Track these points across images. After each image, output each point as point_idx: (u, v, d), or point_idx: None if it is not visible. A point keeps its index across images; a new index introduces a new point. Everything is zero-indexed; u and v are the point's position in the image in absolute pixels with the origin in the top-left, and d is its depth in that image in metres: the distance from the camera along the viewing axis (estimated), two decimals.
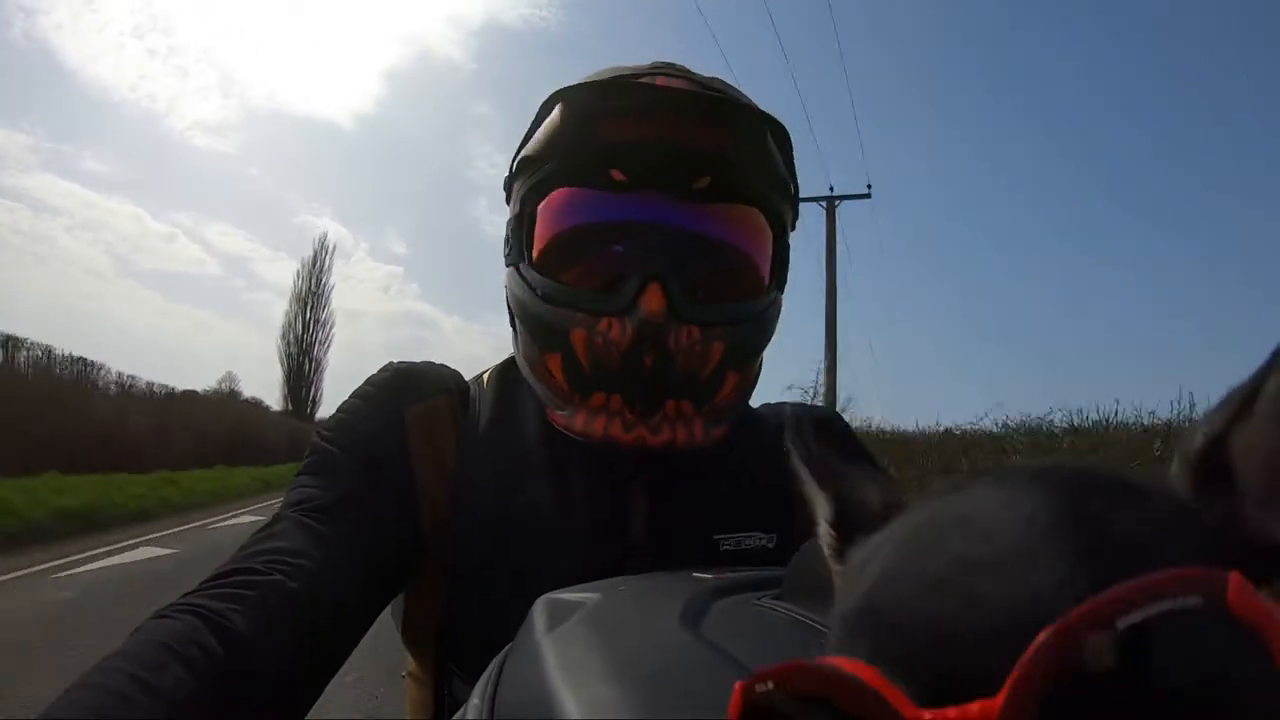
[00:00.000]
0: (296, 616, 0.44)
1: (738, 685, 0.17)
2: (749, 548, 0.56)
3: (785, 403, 0.70)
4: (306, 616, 0.44)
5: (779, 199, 0.57)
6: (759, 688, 0.16)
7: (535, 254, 0.55)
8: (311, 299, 23.85)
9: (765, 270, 0.58)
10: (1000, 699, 0.12)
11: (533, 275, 0.55)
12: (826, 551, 0.24)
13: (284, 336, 23.54)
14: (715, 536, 0.56)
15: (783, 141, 0.56)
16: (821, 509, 0.25)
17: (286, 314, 23.45)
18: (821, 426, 0.27)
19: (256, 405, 22.67)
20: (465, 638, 0.52)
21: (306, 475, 0.53)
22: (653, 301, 0.50)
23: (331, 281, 24.88)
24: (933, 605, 0.16)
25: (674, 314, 0.51)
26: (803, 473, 0.26)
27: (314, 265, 24.63)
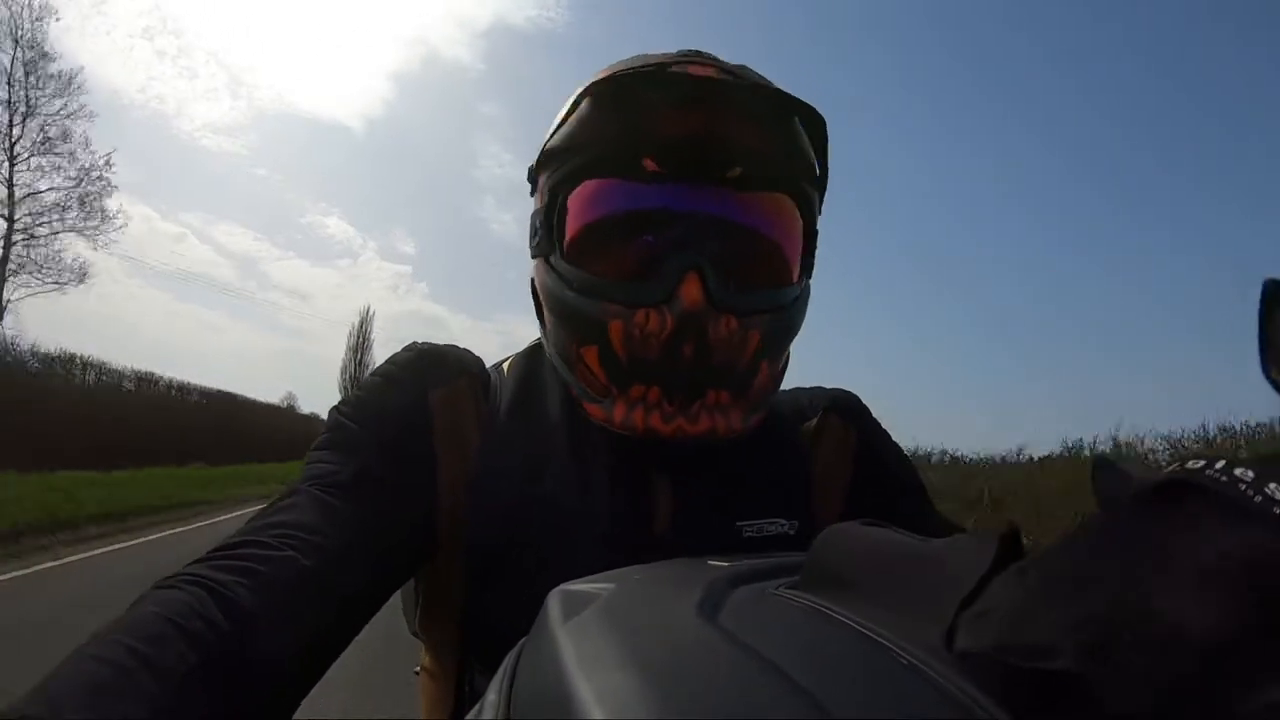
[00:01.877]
0: (305, 594, 0.43)
1: None
2: (771, 534, 0.56)
3: (800, 388, 0.69)
4: (315, 595, 0.44)
5: (809, 186, 0.58)
6: None
7: (566, 244, 0.55)
8: (360, 350, 35.29)
9: (796, 258, 0.58)
10: None
11: (564, 266, 0.55)
12: None
13: (342, 375, 34.88)
14: (738, 523, 0.56)
15: (814, 127, 0.56)
16: None
17: (343, 360, 35.41)
18: None
19: (315, 418, 31.26)
20: (489, 631, 0.51)
21: (324, 450, 0.52)
22: (692, 291, 0.51)
23: (373, 337, 35.85)
24: None
25: (712, 304, 0.51)
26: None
27: (360, 328, 35.90)
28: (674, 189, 0.53)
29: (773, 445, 0.61)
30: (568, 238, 0.55)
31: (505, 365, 0.62)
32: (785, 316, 0.57)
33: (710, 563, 0.41)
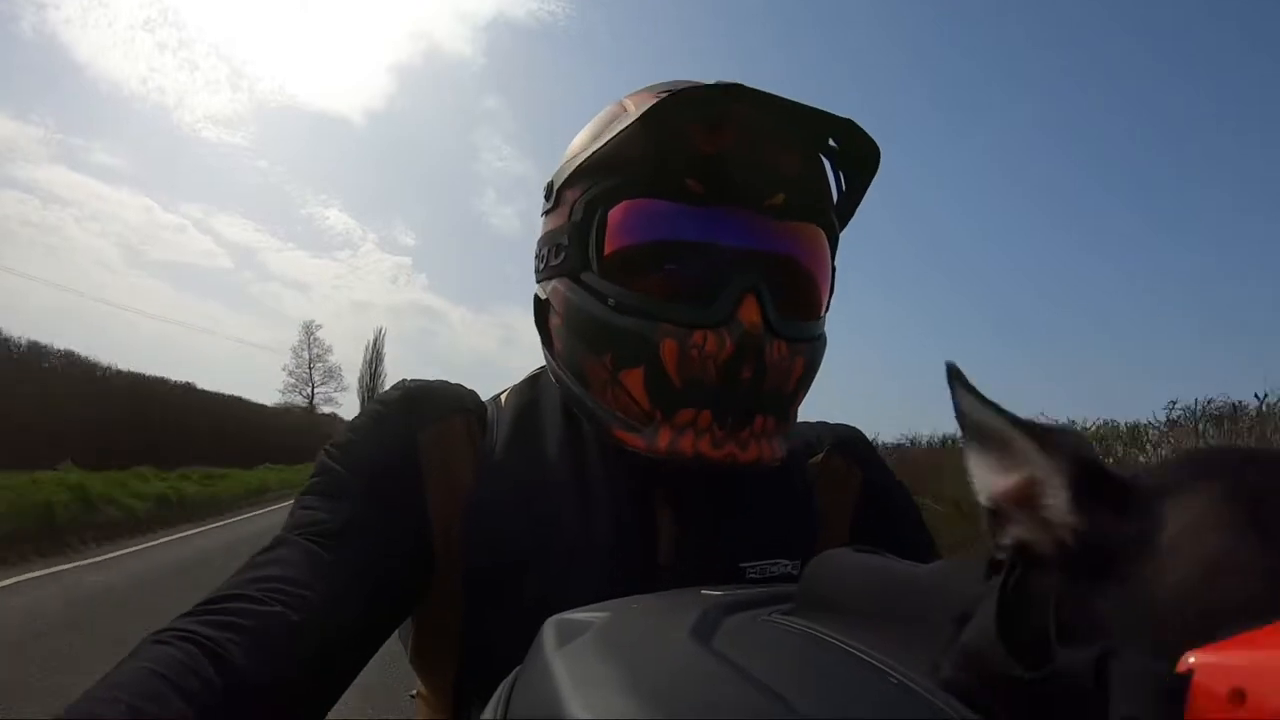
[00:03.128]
0: (296, 649, 0.43)
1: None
2: (775, 574, 0.55)
3: (804, 422, 0.68)
4: (306, 648, 0.43)
5: (836, 223, 0.57)
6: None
7: (605, 263, 0.53)
8: (375, 363, 40.60)
9: (826, 292, 0.57)
10: None
11: (602, 284, 0.52)
12: (1067, 516, 0.23)
13: (359, 383, 40.16)
14: (741, 564, 0.55)
15: (862, 157, 0.56)
16: (1051, 471, 0.24)
17: (360, 371, 41.07)
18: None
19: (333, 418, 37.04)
20: (486, 659, 0.51)
21: (313, 496, 0.52)
22: (751, 313, 0.50)
23: (385, 351, 40.36)
24: None
25: (768, 328, 0.51)
26: (1009, 429, 0.25)
27: (374, 343, 40.78)
28: (718, 213, 0.52)
29: (778, 481, 0.59)
30: (606, 255, 0.53)
31: (502, 397, 0.61)
32: (820, 348, 0.56)
33: (704, 592, 0.41)
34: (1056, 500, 0.23)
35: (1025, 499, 0.24)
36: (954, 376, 0.27)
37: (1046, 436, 0.24)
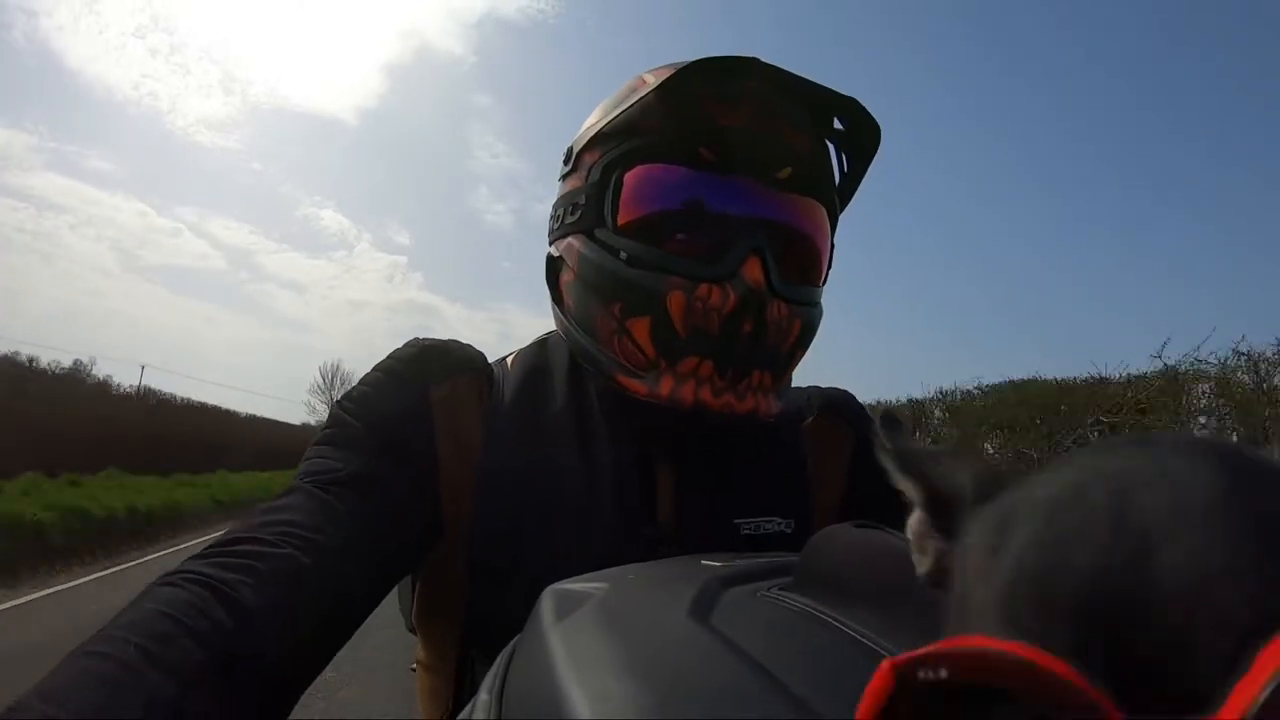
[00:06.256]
0: (306, 593, 0.43)
1: (887, 664, 0.15)
2: (768, 532, 0.57)
3: (796, 387, 0.69)
4: (315, 594, 0.44)
5: (837, 202, 0.60)
6: (924, 674, 0.14)
7: (620, 221, 0.55)
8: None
9: (824, 265, 0.59)
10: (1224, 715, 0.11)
11: (615, 239, 0.55)
12: (919, 536, 0.25)
13: None
14: (736, 520, 0.57)
15: (868, 136, 0.59)
16: (913, 495, 0.26)
17: None
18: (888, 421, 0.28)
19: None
20: (492, 623, 0.51)
21: (325, 445, 0.52)
22: (755, 271, 0.52)
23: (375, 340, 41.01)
24: (1114, 582, 0.13)
25: (770, 287, 0.53)
26: (889, 463, 0.27)
27: None
28: (729, 181, 0.54)
29: (771, 443, 0.61)
30: (621, 213, 0.55)
31: (509, 360, 0.62)
32: (817, 315, 0.59)
33: (704, 562, 0.41)
34: (926, 527, 0.25)
35: (923, 532, 0.26)
36: (884, 430, 0.28)
37: (917, 468, 0.26)
